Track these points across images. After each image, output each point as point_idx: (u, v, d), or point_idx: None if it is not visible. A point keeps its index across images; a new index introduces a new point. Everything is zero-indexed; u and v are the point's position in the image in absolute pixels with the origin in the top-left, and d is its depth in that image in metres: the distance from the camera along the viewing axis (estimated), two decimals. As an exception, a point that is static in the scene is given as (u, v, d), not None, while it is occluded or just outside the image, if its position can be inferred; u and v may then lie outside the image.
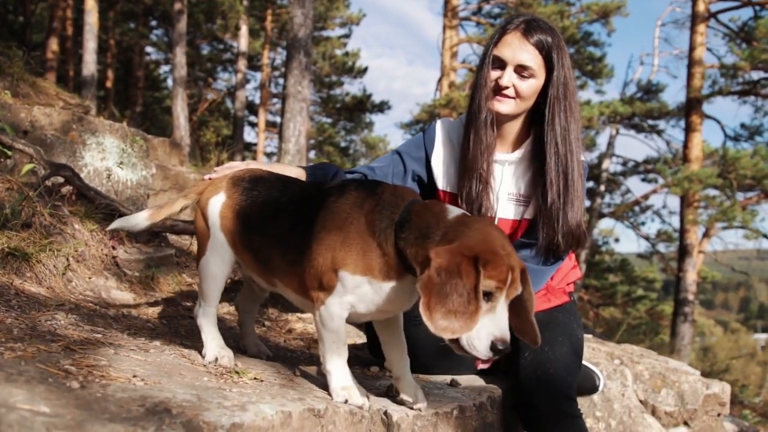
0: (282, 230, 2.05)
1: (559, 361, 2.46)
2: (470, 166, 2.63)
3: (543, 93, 2.63)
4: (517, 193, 2.70)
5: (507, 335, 1.73)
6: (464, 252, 1.71)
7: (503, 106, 2.60)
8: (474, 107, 2.64)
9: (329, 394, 1.94)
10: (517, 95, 2.59)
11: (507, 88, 2.57)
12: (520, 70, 2.56)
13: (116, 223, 2.39)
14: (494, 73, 2.61)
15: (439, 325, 1.67)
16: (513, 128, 2.72)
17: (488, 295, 1.73)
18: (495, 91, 2.61)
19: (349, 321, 2.04)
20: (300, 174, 2.55)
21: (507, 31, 2.59)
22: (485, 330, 1.71)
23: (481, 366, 1.71)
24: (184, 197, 2.39)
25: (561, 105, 2.59)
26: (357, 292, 1.88)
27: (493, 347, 1.71)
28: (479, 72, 2.66)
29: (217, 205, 2.22)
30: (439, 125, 2.83)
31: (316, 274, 1.91)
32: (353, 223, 1.88)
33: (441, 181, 2.76)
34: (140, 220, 2.37)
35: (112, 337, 2.21)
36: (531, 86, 2.58)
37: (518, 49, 2.55)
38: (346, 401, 1.90)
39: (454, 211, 1.87)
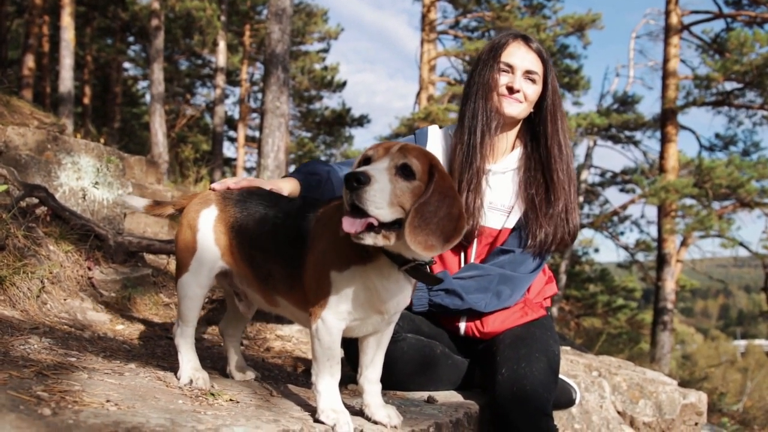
0: (281, 244, 2.07)
1: (535, 377, 2.47)
2: (473, 171, 2.68)
3: (537, 103, 2.76)
4: (500, 203, 2.75)
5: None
6: None
7: (513, 108, 2.71)
8: (482, 113, 2.71)
9: (317, 416, 1.90)
10: (525, 99, 2.71)
11: (518, 91, 2.69)
12: (528, 74, 2.71)
13: (121, 199, 2.61)
14: (504, 78, 2.71)
15: None
16: (506, 138, 2.80)
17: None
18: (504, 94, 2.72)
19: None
20: (294, 187, 2.46)
21: (509, 42, 2.74)
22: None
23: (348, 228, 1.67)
24: (173, 206, 2.47)
25: (560, 110, 2.75)
26: (349, 291, 1.89)
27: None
28: (485, 77, 2.73)
29: (210, 218, 2.21)
30: (431, 130, 2.88)
31: (313, 286, 1.94)
32: (332, 226, 1.91)
33: None
34: (138, 204, 2.52)
35: (87, 360, 2.19)
36: (536, 91, 2.74)
37: (525, 56, 2.72)
38: (333, 426, 1.87)
39: None
